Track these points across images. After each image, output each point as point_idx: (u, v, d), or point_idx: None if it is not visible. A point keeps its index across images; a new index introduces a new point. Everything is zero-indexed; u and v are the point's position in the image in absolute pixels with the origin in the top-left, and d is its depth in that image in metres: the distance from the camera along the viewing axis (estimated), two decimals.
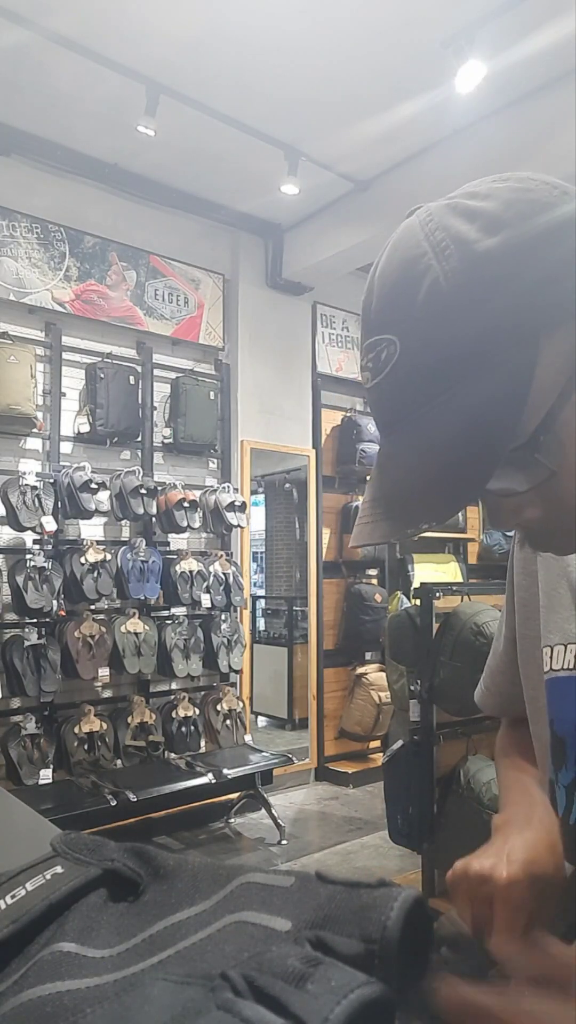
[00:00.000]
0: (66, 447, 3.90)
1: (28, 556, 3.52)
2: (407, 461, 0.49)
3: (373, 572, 5.35)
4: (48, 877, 0.40)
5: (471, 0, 2.79)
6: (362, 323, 0.53)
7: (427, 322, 0.47)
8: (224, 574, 4.15)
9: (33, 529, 3.49)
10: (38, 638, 3.53)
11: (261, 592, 6.88)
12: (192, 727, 4.04)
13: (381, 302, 0.50)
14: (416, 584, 3.50)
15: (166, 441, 4.29)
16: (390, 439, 0.51)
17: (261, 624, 6.58)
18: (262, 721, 5.81)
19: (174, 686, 4.16)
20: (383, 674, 4.46)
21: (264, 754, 4.05)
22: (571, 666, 0.64)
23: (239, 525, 4.23)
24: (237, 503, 4.19)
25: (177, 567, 3.99)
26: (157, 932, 0.35)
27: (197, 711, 4.08)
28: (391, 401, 0.50)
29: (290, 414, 4.89)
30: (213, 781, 3.60)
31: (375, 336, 0.50)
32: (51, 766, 3.51)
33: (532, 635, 0.72)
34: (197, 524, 4.09)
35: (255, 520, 5.10)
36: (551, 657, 0.66)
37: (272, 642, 6.15)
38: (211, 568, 4.13)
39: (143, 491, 3.80)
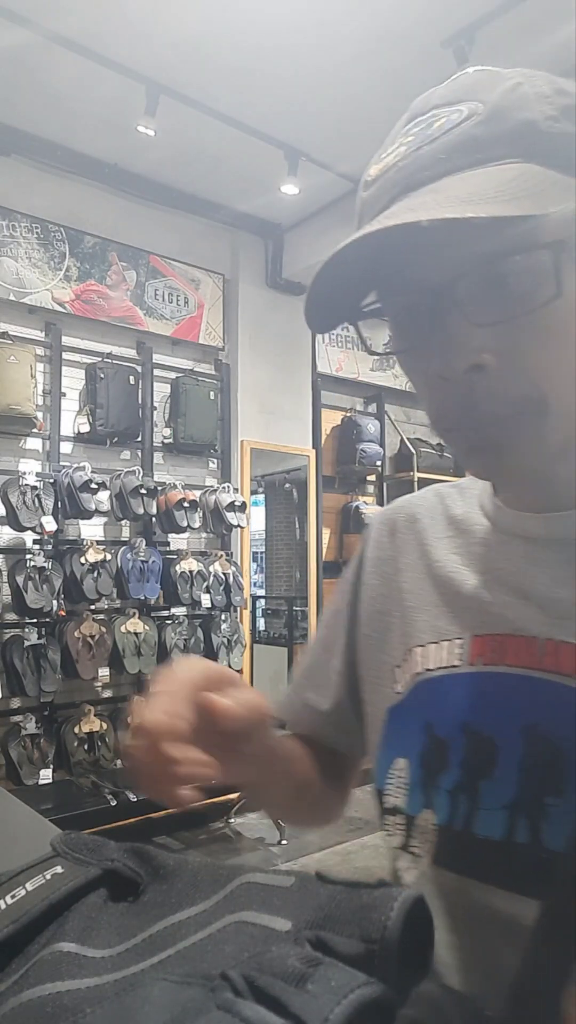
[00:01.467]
0: (66, 447, 3.90)
1: (28, 556, 3.52)
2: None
3: None
4: (48, 877, 0.40)
5: (471, 0, 2.79)
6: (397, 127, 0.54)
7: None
8: (224, 574, 4.15)
9: (33, 529, 3.49)
10: (38, 638, 3.53)
11: (261, 592, 6.87)
12: None
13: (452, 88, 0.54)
14: None
15: (166, 441, 4.29)
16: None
17: (261, 624, 6.57)
18: None
19: None
20: None
21: None
22: (448, 664, 0.62)
23: (239, 525, 4.23)
24: (237, 503, 4.19)
25: (177, 567, 3.99)
26: (157, 932, 0.35)
27: None
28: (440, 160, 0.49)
29: (290, 414, 4.89)
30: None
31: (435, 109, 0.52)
32: (51, 766, 3.51)
33: (386, 639, 0.69)
34: (197, 524, 4.09)
35: (255, 520, 5.10)
36: (424, 656, 0.63)
37: (272, 642, 6.14)
38: (211, 568, 4.13)
39: (143, 491, 3.80)
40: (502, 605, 0.60)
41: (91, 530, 3.92)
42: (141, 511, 3.81)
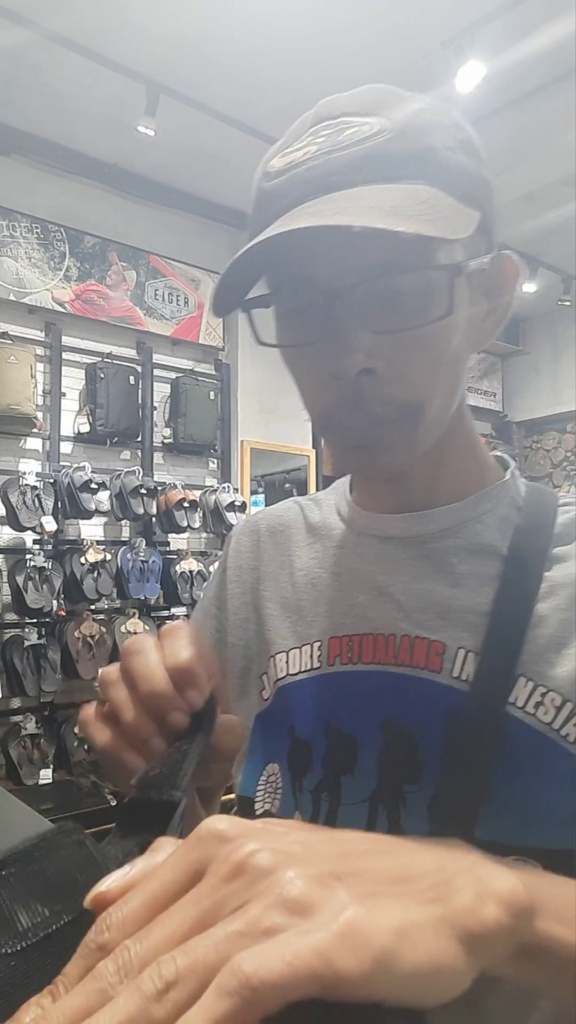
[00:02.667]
0: (66, 447, 3.90)
1: (28, 556, 3.52)
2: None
3: None
4: None
5: (471, 0, 2.79)
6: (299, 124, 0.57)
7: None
8: None
9: (33, 529, 3.49)
10: (38, 638, 3.53)
11: None
12: None
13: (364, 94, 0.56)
14: None
15: (166, 441, 4.29)
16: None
17: None
18: None
19: None
20: None
21: None
22: (308, 667, 0.63)
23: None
24: (237, 503, 4.19)
25: (177, 567, 3.99)
26: None
27: None
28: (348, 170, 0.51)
29: (290, 414, 4.88)
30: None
31: (344, 117, 0.54)
32: (51, 766, 3.51)
33: (250, 647, 0.70)
34: (197, 524, 4.09)
35: None
36: (287, 663, 0.65)
37: None
38: (211, 568, 4.12)
39: (143, 491, 3.80)
40: (360, 605, 0.63)
41: (91, 530, 3.92)
42: (141, 511, 3.80)
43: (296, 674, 0.64)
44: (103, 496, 3.70)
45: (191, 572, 4.02)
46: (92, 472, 3.65)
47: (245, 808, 0.65)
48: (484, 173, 0.56)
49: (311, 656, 0.64)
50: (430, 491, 0.62)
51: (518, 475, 0.66)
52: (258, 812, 0.64)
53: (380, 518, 0.64)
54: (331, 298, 0.52)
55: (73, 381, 3.95)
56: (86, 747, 3.59)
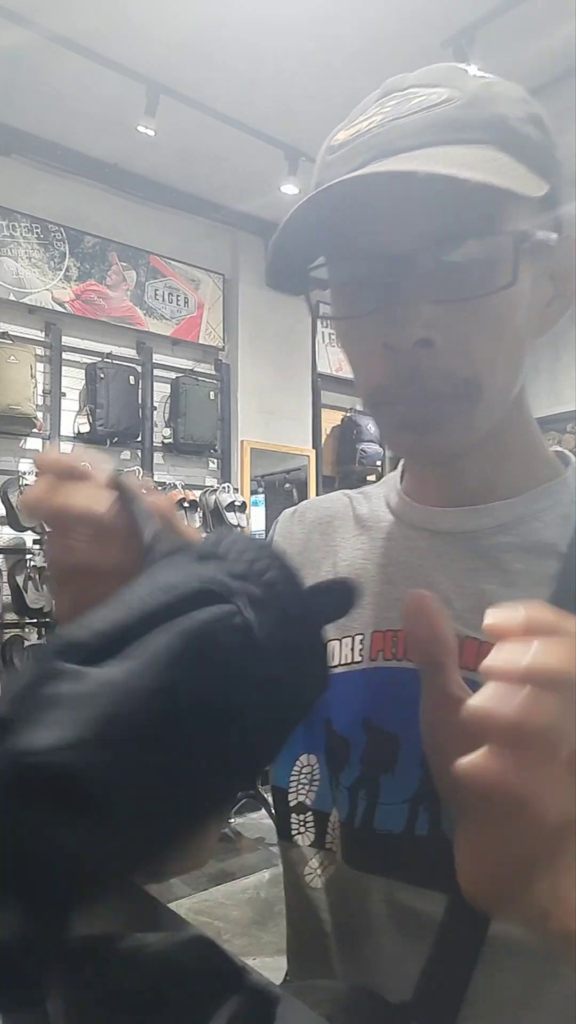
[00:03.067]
0: (66, 447, 3.90)
1: (28, 556, 3.52)
2: None
3: None
4: None
5: (471, 0, 2.79)
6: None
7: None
8: None
9: (33, 529, 3.49)
10: (38, 638, 3.53)
11: None
12: None
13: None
14: None
15: (166, 441, 4.29)
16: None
17: None
18: None
19: None
20: None
21: None
22: (349, 660, 0.61)
23: (239, 525, 4.23)
24: (237, 503, 4.19)
25: None
26: None
27: None
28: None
29: (290, 414, 4.89)
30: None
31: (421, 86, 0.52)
32: None
33: None
34: (197, 524, 4.09)
35: (255, 520, 5.10)
36: (328, 653, 0.64)
37: None
38: None
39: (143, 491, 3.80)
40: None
41: None
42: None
43: (336, 667, 0.62)
44: None
45: None
46: None
47: (278, 799, 0.64)
48: (554, 151, 0.54)
49: (352, 649, 0.61)
50: (485, 484, 0.59)
51: None
52: (292, 804, 0.63)
53: (432, 511, 0.61)
54: (391, 265, 0.50)
55: (73, 381, 3.95)
56: None
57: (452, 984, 0.48)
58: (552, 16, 2.81)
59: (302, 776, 0.63)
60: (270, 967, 0.45)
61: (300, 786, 0.63)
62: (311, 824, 0.62)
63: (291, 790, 0.63)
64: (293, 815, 0.63)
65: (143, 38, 3.04)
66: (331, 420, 5.17)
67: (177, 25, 2.95)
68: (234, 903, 3.09)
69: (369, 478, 5.42)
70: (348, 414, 5.18)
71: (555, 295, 0.57)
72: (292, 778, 0.63)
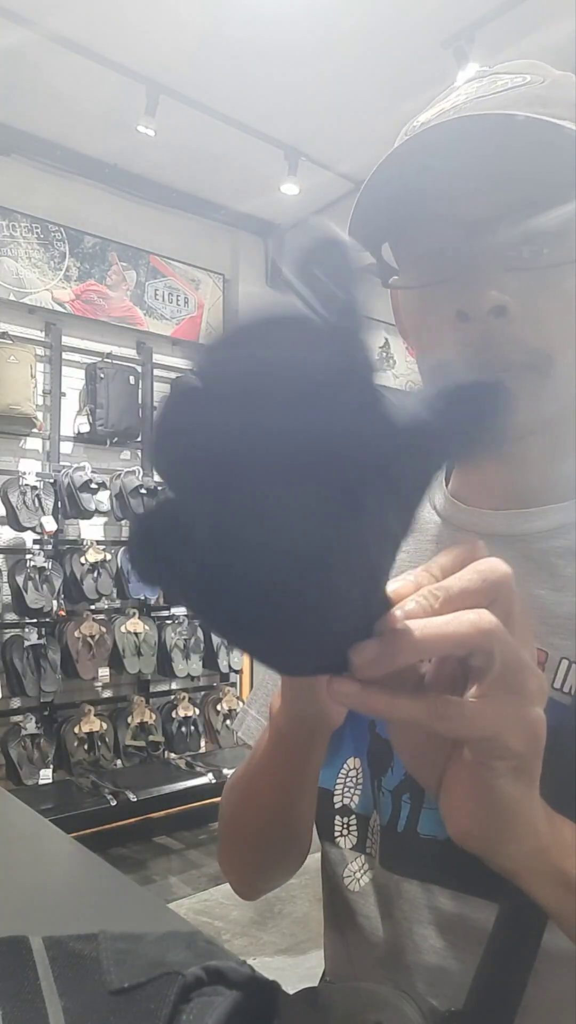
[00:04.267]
0: (66, 447, 3.90)
1: (28, 556, 3.52)
2: None
3: None
4: None
5: (471, 0, 2.79)
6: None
7: None
8: None
9: (33, 529, 3.49)
10: (38, 638, 3.53)
11: None
12: (192, 727, 4.04)
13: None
14: None
15: None
16: None
17: None
18: None
19: (174, 686, 4.16)
20: None
21: None
22: None
23: None
24: None
25: None
26: None
27: (197, 711, 4.08)
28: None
29: None
30: (213, 781, 3.60)
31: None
32: (51, 766, 3.51)
33: None
34: None
35: None
36: None
37: None
38: None
39: (143, 491, 3.80)
40: None
41: (91, 530, 3.92)
42: (141, 511, 3.80)
43: None
44: (103, 496, 3.70)
45: None
46: (92, 472, 3.65)
47: (324, 801, 0.63)
48: None
49: None
50: (539, 486, 0.57)
51: None
52: (337, 806, 0.63)
53: (482, 514, 0.60)
54: (469, 231, 0.49)
55: (73, 381, 3.95)
56: (86, 747, 3.60)
57: (507, 994, 0.48)
58: (552, 16, 2.81)
59: (348, 779, 0.63)
60: (270, 967, 0.45)
61: (346, 789, 0.63)
62: (354, 827, 0.62)
63: (336, 792, 0.63)
64: (337, 817, 0.63)
65: (143, 38, 3.04)
66: None
67: (177, 25, 2.95)
68: (234, 903, 3.09)
69: None
70: None
71: None
72: (339, 781, 0.63)
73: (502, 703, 0.32)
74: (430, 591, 0.32)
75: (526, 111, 0.47)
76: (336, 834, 0.63)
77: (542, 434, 0.54)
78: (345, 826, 0.63)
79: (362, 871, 0.61)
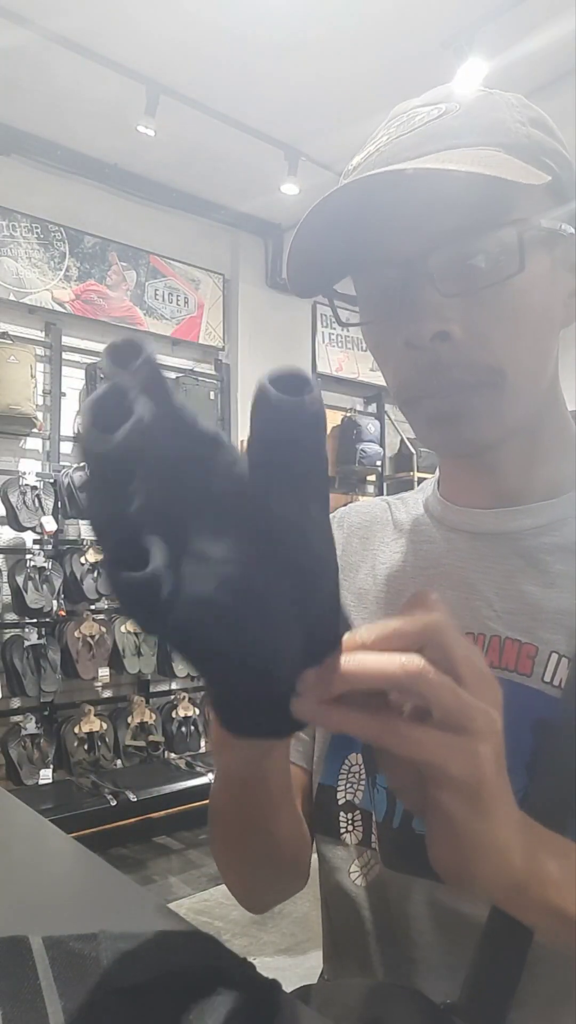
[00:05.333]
0: (66, 447, 3.90)
1: (28, 556, 3.52)
2: None
3: None
4: None
5: (471, 0, 2.79)
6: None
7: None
8: None
9: (33, 529, 3.49)
10: (38, 638, 3.53)
11: None
12: (192, 727, 4.04)
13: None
14: None
15: None
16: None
17: None
18: None
19: (174, 686, 4.16)
20: None
21: None
22: None
23: None
24: None
25: None
26: None
27: (197, 711, 4.08)
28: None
29: None
30: (213, 781, 3.60)
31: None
32: (51, 766, 3.51)
33: None
34: None
35: None
36: None
37: None
38: None
39: None
40: (448, 602, 0.60)
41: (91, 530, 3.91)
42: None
43: None
44: None
45: None
46: None
47: (326, 797, 0.64)
48: (560, 148, 0.55)
49: None
50: (524, 483, 0.59)
51: None
52: (340, 803, 0.63)
53: (472, 513, 0.61)
54: (404, 268, 0.52)
55: (73, 381, 3.95)
56: (86, 747, 3.60)
57: (501, 985, 0.49)
58: (552, 16, 2.81)
59: (350, 775, 0.64)
60: (270, 967, 0.46)
61: (348, 785, 0.63)
62: (359, 823, 0.62)
63: (339, 788, 0.64)
64: (342, 813, 0.63)
65: (143, 38, 3.04)
66: (331, 420, 5.16)
67: (177, 25, 2.96)
68: (234, 903, 3.08)
69: (369, 478, 5.42)
70: (348, 414, 5.18)
71: None
72: (340, 776, 0.64)
73: (443, 736, 0.34)
74: (368, 627, 0.35)
75: (436, 146, 0.50)
76: (342, 831, 0.63)
77: (516, 440, 0.56)
78: (350, 822, 0.63)
79: (368, 866, 0.61)
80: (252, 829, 0.56)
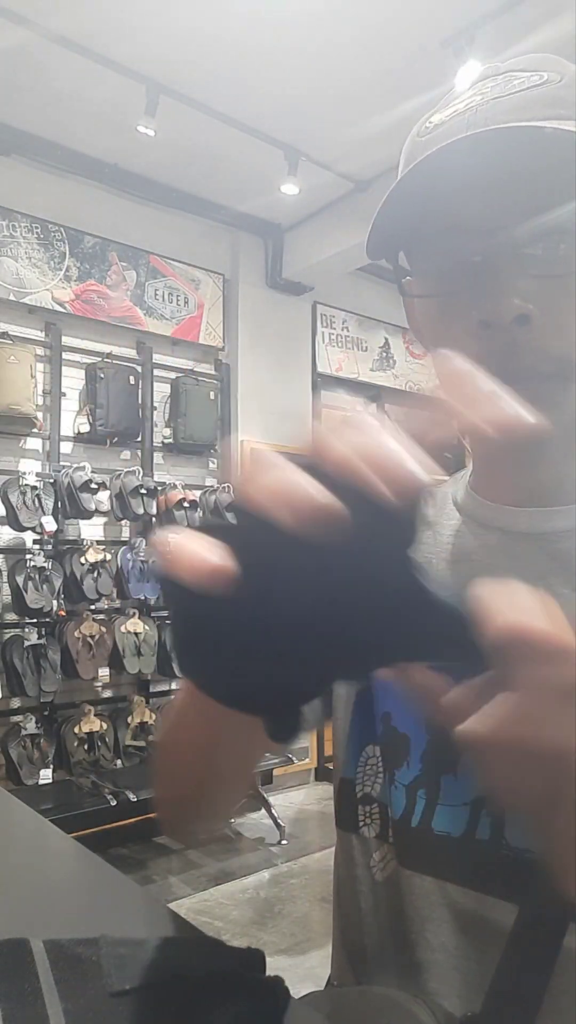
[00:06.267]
0: (66, 447, 3.90)
1: (28, 556, 3.52)
2: None
3: None
4: None
5: (471, 0, 2.79)
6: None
7: None
8: None
9: (33, 529, 3.49)
10: (38, 638, 3.53)
11: None
12: None
13: None
14: None
15: (166, 441, 4.29)
16: None
17: None
18: None
19: (174, 686, 4.15)
20: None
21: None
22: None
23: None
24: None
25: None
26: None
27: None
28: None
29: (290, 414, 4.88)
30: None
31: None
32: (51, 766, 3.51)
33: None
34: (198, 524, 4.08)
35: None
36: None
37: None
38: None
39: (143, 491, 3.80)
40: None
41: (91, 530, 3.92)
42: (141, 511, 3.80)
43: None
44: (103, 496, 3.70)
45: None
46: (92, 472, 3.64)
47: (346, 790, 0.63)
48: None
49: None
50: (561, 483, 0.57)
51: None
52: (358, 795, 0.62)
53: (504, 510, 0.59)
54: (490, 239, 0.48)
55: (73, 381, 3.95)
56: (86, 747, 3.60)
57: (526, 997, 0.47)
58: (552, 16, 2.80)
59: (368, 767, 0.62)
60: (270, 967, 0.45)
61: (366, 777, 0.62)
62: (376, 815, 0.61)
63: (358, 781, 0.63)
64: (360, 806, 0.62)
65: (143, 38, 3.04)
66: (331, 420, 5.16)
67: (177, 25, 2.95)
68: (234, 903, 3.09)
69: None
70: (348, 414, 5.17)
71: None
72: (359, 769, 0.63)
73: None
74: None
75: (545, 113, 0.47)
76: (360, 824, 0.62)
77: (562, 435, 0.54)
78: (368, 815, 0.62)
79: (385, 860, 0.60)
80: (199, 763, 0.54)
